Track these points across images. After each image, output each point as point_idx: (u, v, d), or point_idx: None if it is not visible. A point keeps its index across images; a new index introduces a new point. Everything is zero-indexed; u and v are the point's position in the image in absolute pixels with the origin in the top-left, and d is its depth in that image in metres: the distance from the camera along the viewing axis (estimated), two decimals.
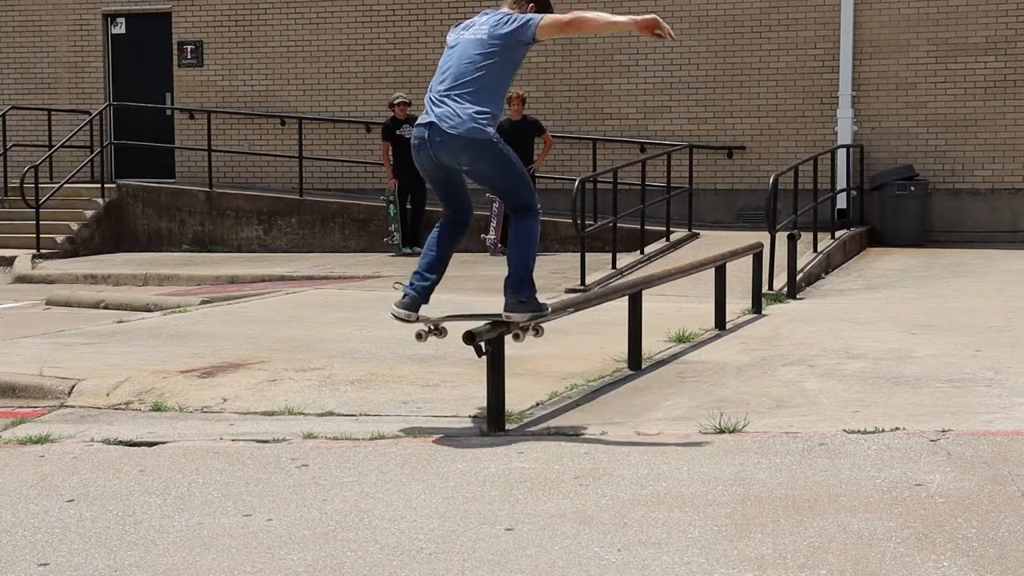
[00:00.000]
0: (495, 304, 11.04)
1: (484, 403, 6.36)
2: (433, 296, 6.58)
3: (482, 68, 6.27)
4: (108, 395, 7.41)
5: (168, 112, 19.90)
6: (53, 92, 20.29)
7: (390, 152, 16.59)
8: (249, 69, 19.52)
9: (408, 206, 16.71)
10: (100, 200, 18.80)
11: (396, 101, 16.67)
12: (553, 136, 17.89)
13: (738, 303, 10.59)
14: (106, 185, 19.04)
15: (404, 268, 15.14)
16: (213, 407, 7.14)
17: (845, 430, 6.08)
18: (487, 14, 6.43)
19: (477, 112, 6.25)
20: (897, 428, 6.09)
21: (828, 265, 13.95)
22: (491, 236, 16.67)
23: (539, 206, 6.58)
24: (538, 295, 6.65)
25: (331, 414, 6.88)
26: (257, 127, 19.53)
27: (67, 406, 7.30)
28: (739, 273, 10.89)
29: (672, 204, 15.56)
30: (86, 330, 10.02)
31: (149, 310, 11.96)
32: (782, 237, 12.05)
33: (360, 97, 18.98)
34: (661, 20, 6.11)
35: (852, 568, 4.23)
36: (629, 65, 17.73)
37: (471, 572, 4.29)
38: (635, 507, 4.96)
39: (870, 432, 6.02)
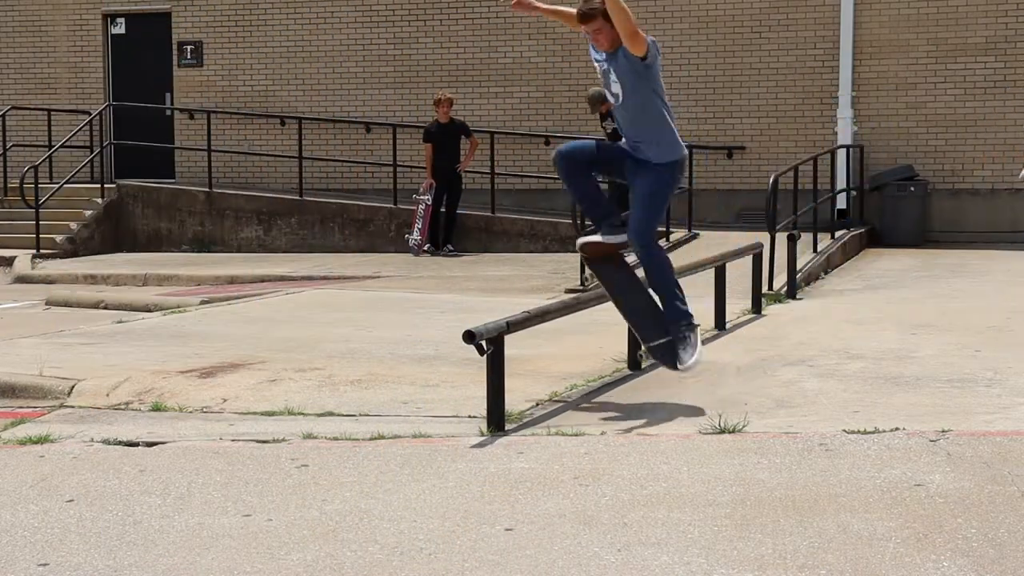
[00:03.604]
0: (496, 304, 11.06)
1: (484, 403, 6.36)
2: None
3: None
4: (108, 395, 7.41)
5: (168, 112, 19.89)
6: (53, 92, 20.29)
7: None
8: (249, 69, 19.51)
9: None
10: (100, 200, 18.79)
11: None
12: (554, 136, 17.90)
13: (738, 303, 10.58)
14: (106, 185, 19.03)
15: (404, 268, 15.14)
16: (213, 407, 7.13)
17: (845, 430, 6.09)
18: None
19: None
20: (897, 428, 6.09)
21: (828, 265, 13.95)
22: (415, 237, 16.70)
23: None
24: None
25: (331, 414, 6.88)
26: (257, 127, 19.52)
27: (67, 406, 7.30)
28: (739, 273, 10.88)
29: (672, 204, 15.52)
30: (86, 330, 10.02)
31: (149, 310, 11.95)
32: (782, 237, 12.04)
33: (360, 97, 18.98)
34: None
35: (852, 568, 4.23)
36: None
37: (471, 572, 4.29)
38: (635, 507, 4.96)
39: (870, 432, 6.02)
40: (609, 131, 15.53)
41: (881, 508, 4.86)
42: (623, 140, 7.04)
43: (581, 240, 7.27)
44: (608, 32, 6.72)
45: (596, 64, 6.98)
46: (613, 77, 6.82)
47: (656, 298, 7.12)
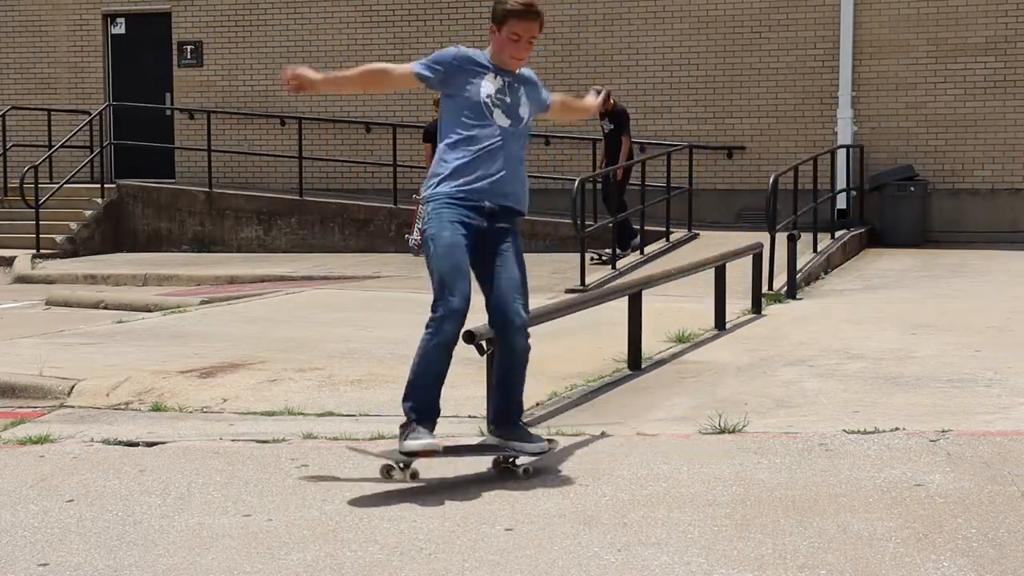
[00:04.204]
0: None
1: (484, 403, 6.36)
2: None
3: None
4: (108, 395, 7.42)
5: (168, 112, 19.89)
6: (53, 92, 20.28)
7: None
8: (249, 69, 19.51)
9: None
10: (100, 200, 18.79)
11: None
12: (553, 136, 17.90)
13: (738, 303, 10.58)
14: (106, 185, 19.04)
15: (404, 268, 15.14)
16: (213, 407, 7.14)
17: (845, 430, 6.09)
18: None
19: None
20: (897, 428, 6.09)
21: (828, 265, 13.95)
22: (415, 237, 16.65)
23: (449, 309, 5.29)
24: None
25: (331, 414, 6.88)
26: (257, 127, 19.52)
27: (67, 406, 7.30)
28: (739, 273, 10.88)
29: (672, 204, 15.56)
30: (86, 330, 10.02)
31: (149, 310, 11.96)
32: (782, 237, 12.05)
33: (360, 97, 18.95)
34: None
35: (852, 568, 4.23)
36: (629, 65, 17.73)
37: (471, 572, 4.29)
38: (635, 507, 4.96)
39: (870, 432, 6.02)
40: (607, 131, 15.51)
41: (881, 508, 4.86)
42: (488, 193, 5.46)
43: (413, 445, 5.20)
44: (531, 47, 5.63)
45: (486, 82, 5.55)
46: (524, 99, 5.61)
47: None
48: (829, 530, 4.61)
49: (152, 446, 6.20)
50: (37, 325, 10.98)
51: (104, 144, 19.52)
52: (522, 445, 5.49)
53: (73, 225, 18.37)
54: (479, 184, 5.42)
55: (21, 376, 7.87)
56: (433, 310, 5.27)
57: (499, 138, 5.45)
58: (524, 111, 5.57)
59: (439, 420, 6.78)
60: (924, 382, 7.46)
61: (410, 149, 18.08)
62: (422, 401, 5.25)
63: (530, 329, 6.95)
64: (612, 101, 15.35)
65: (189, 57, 19.72)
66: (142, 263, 16.51)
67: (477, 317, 6.62)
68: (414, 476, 5.20)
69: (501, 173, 5.43)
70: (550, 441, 5.70)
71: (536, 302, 9.19)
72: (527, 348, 5.62)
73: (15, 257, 16.97)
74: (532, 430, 6.33)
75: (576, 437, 6.12)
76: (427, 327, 5.26)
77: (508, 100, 5.51)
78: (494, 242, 5.49)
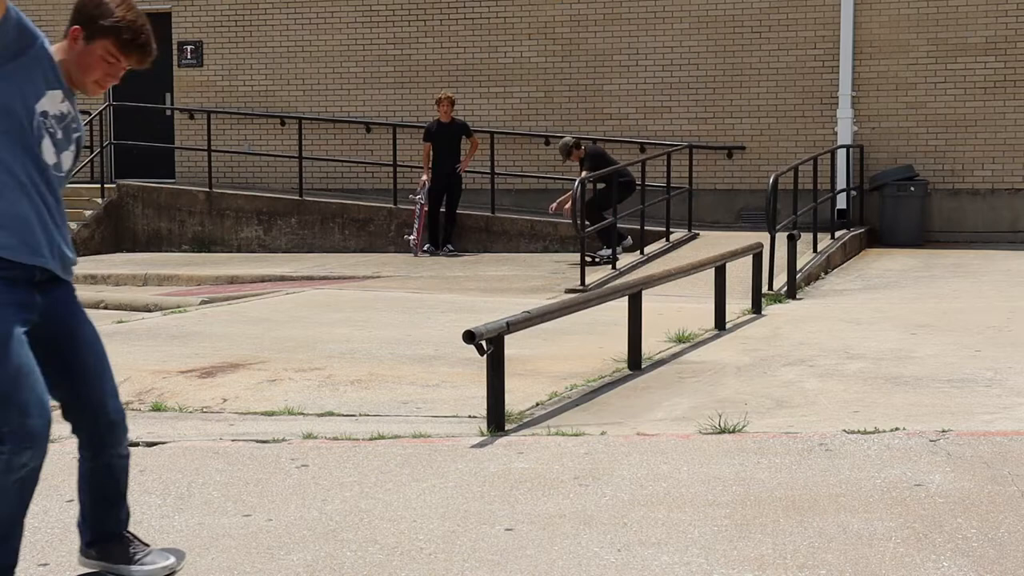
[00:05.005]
0: (496, 304, 11.04)
1: (484, 403, 6.36)
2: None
3: None
4: None
5: (168, 112, 19.89)
6: None
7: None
8: (249, 69, 19.51)
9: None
10: (100, 200, 18.80)
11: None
12: (553, 136, 17.89)
13: (738, 303, 10.59)
14: (106, 185, 19.04)
15: (404, 268, 15.15)
16: (213, 407, 7.14)
17: (845, 430, 6.09)
18: None
19: None
20: (897, 428, 6.09)
21: (828, 265, 13.95)
22: (413, 237, 16.70)
23: (21, 434, 3.84)
24: None
25: (331, 414, 6.88)
26: (257, 127, 19.52)
27: None
28: (739, 273, 10.89)
29: (672, 204, 15.57)
30: None
31: (149, 310, 11.96)
32: (782, 237, 12.05)
33: (360, 97, 18.98)
34: None
35: (852, 568, 4.23)
36: (629, 65, 17.72)
37: (471, 572, 4.29)
38: (635, 507, 4.96)
39: (870, 432, 6.03)
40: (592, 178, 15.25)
41: (881, 508, 4.86)
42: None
43: None
44: None
45: (48, 99, 3.96)
46: (74, 125, 4.14)
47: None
48: (829, 530, 4.61)
49: (152, 446, 6.20)
50: None
51: (104, 144, 19.51)
52: (135, 569, 4.22)
53: (73, 225, 18.37)
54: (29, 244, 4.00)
55: None
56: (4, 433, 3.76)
57: (61, 180, 4.08)
58: (69, 159, 4.11)
59: (437, 419, 6.77)
60: (924, 382, 7.46)
61: (410, 149, 18.09)
62: (8, 556, 3.93)
63: (530, 329, 7.00)
64: (583, 148, 15.29)
65: (189, 57, 19.72)
66: (142, 263, 16.51)
67: (480, 317, 6.62)
68: None
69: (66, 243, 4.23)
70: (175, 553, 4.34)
71: (536, 302, 9.19)
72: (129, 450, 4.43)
73: None
74: (531, 430, 6.34)
75: (576, 437, 6.12)
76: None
77: (60, 136, 4.02)
78: (70, 322, 4.29)
